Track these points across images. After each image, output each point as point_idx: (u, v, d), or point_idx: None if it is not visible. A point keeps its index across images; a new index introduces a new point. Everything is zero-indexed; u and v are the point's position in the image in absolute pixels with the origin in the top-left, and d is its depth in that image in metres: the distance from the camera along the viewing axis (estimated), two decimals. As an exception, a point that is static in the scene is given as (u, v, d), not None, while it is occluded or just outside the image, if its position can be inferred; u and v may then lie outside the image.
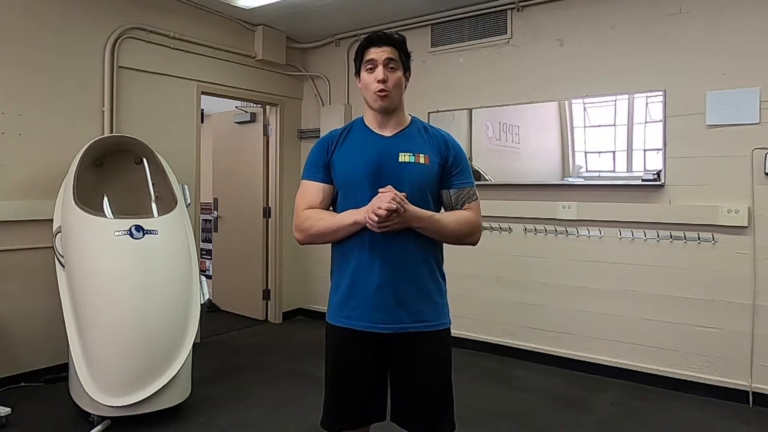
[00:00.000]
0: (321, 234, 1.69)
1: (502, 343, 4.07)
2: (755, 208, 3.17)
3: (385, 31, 1.73)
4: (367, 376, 1.69)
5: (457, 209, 1.73)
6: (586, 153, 3.77)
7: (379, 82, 1.65)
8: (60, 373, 3.36)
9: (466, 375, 3.66)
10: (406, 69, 1.73)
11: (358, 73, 1.74)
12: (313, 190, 1.73)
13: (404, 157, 1.68)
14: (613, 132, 3.63)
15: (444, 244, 1.76)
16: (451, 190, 1.73)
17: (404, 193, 1.57)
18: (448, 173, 1.74)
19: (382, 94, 1.66)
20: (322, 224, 1.68)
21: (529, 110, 3.96)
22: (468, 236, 1.73)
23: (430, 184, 1.71)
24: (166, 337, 2.82)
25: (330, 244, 1.77)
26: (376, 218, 1.53)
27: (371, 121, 1.74)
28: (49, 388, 3.34)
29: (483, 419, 2.99)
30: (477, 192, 1.79)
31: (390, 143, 1.70)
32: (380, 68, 1.66)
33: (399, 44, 1.70)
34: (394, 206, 1.52)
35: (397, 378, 1.69)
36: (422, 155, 1.69)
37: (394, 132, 1.73)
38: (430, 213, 1.64)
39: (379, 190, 1.58)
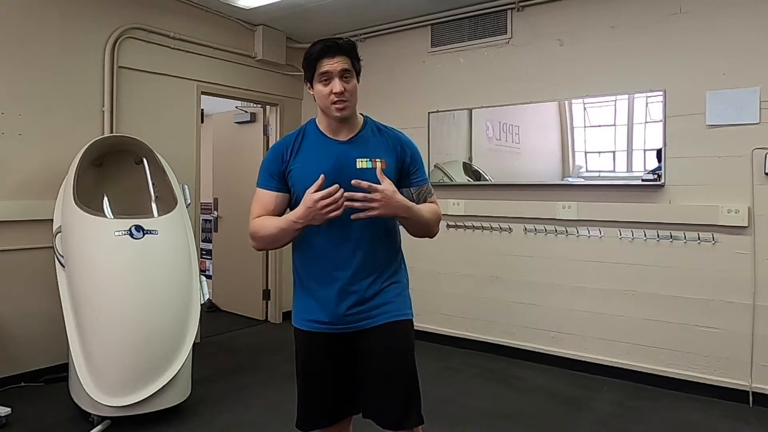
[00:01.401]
0: (267, 240, 1.72)
1: (502, 343, 4.06)
2: (755, 208, 3.17)
3: (333, 38, 1.71)
4: (333, 374, 1.74)
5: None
6: (586, 153, 3.77)
7: (336, 94, 1.64)
8: (60, 373, 3.36)
9: (466, 375, 3.66)
10: (358, 73, 1.74)
11: (310, 81, 1.72)
12: (266, 198, 1.76)
13: (362, 163, 1.69)
14: (613, 132, 3.63)
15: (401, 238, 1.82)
16: (411, 188, 1.77)
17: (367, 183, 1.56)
18: (406, 172, 1.77)
19: (341, 105, 1.66)
20: (264, 231, 1.71)
21: (529, 110, 3.96)
22: (435, 226, 1.79)
23: None
24: (166, 337, 2.82)
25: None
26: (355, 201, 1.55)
27: (326, 127, 1.74)
28: (49, 388, 3.34)
29: (483, 419, 2.99)
30: (430, 185, 1.87)
31: (346, 149, 1.71)
32: (336, 81, 1.65)
33: (350, 52, 1.69)
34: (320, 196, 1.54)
35: (363, 372, 1.72)
36: (379, 160, 1.70)
37: (349, 137, 1.73)
38: (412, 203, 1.68)
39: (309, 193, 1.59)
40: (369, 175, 1.65)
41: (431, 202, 1.81)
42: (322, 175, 1.57)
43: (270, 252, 5.10)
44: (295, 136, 1.77)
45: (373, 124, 1.81)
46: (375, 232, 1.70)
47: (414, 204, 1.68)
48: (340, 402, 1.76)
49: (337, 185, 1.55)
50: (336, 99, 1.65)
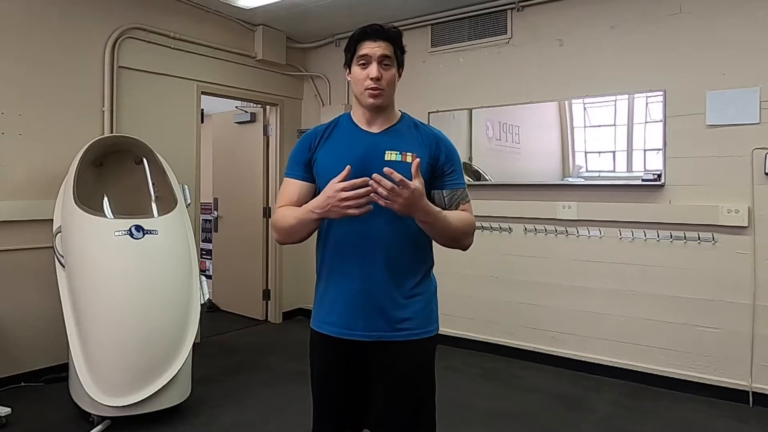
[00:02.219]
0: (286, 231, 1.60)
1: (502, 343, 4.06)
2: (755, 208, 3.17)
3: (381, 24, 1.62)
4: (346, 382, 1.64)
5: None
6: (586, 153, 3.77)
7: (372, 79, 1.55)
8: (60, 373, 3.36)
9: (466, 375, 3.66)
10: (400, 65, 1.63)
11: (348, 65, 1.63)
12: (291, 188, 1.64)
13: (390, 155, 1.57)
14: (613, 132, 3.63)
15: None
16: (444, 191, 1.62)
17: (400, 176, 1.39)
18: (440, 173, 1.62)
19: (376, 92, 1.56)
20: (284, 221, 1.59)
21: (529, 110, 3.96)
22: (466, 237, 1.62)
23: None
24: (166, 337, 2.82)
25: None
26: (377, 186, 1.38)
27: (359, 118, 1.65)
28: (49, 388, 3.34)
29: (483, 419, 2.99)
30: (467, 190, 1.69)
31: (377, 140, 1.60)
32: (374, 65, 1.55)
33: (395, 39, 1.60)
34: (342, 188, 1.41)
35: (375, 387, 1.61)
36: (410, 154, 1.57)
37: (382, 128, 1.63)
38: (438, 208, 1.51)
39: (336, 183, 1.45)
40: (397, 168, 1.43)
41: (464, 210, 1.63)
42: (348, 166, 1.44)
43: (270, 252, 5.10)
44: (327, 126, 1.68)
45: (410, 120, 1.70)
46: (401, 233, 1.58)
47: (439, 210, 1.51)
48: (350, 412, 1.65)
49: (365, 178, 1.40)
50: (371, 84, 1.55)
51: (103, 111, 3.70)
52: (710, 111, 3.27)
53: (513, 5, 3.98)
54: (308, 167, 1.64)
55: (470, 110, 4.19)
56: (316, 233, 1.63)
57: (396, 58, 1.60)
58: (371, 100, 1.58)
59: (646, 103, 3.49)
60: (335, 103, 4.95)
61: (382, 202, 1.40)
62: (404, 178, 1.38)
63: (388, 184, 1.37)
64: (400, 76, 1.65)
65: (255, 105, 5.15)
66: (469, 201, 1.67)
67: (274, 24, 4.69)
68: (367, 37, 1.57)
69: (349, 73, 1.63)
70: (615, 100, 3.61)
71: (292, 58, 5.05)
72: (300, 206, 1.58)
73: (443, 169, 1.63)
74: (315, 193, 1.61)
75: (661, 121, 3.41)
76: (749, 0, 3.18)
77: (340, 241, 1.60)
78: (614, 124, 3.63)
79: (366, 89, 1.57)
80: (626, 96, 3.55)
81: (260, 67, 4.79)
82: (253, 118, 5.23)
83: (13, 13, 3.31)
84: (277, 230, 1.63)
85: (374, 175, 1.38)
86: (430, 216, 1.48)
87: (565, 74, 3.78)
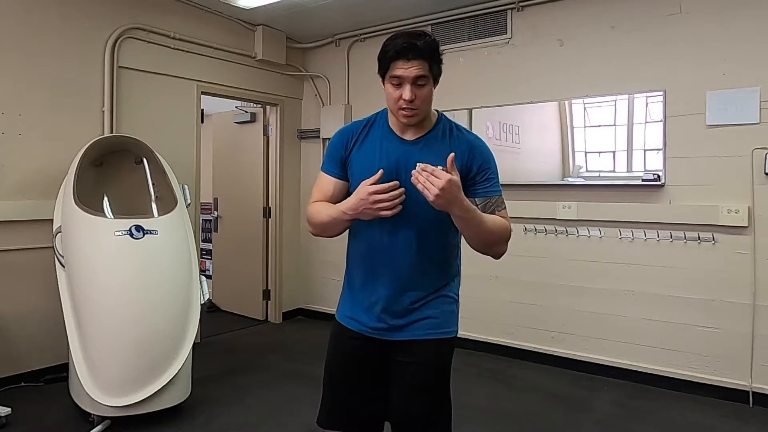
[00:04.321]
0: (319, 227, 1.63)
1: (502, 343, 4.07)
2: (755, 208, 3.17)
3: (416, 32, 1.53)
4: (361, 378, 1.66)
5: None
6: (586, 153, 3.77)
7: (405, 101, 1.49)
8: (60, 373, 3.36)
9: (466, 375, 3.66)
10: (437, 78, 1.56)
11: (382, 77, 1.56)
12: (326, 184, 1.66)
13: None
14: (613, 132, 3.63)
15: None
16: (477, 199, 1.56)
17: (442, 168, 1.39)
18: (472, 181, 1.57)
19: (409, 113, 1.51)
20: (318, 218, 1.62)
21: (529, 110, 3.97)
22: (501, 243, 1.58)
23: None
24: (166, 337, 2.82)
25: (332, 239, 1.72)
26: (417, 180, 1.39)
27: (394, 123, 1.61)
28: (49, 388, 3.34)
29: (483, 419, 2.99)
30: (503, 197, 1.63)
31: (410, 150, 1.57)
32: (407, 88, 1.48)
33: (431, 55, 1.51)
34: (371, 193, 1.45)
35: (393, 385, 1.64)
36: (441, 167, 1.44)
37: (416, 136, 1.59)
38: (474, 207, 1.48)
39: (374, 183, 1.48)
40: None
41: (501, 216, 1.58)
42: (381, 170, 1.47)
43: (270, 252, 5.10)
44: (364, 125, 1.66)
45: (446, 124, 1.64)
46: (431, 234, 1.58)
47: (476, 209, 1.49)
48: (364, 408, 1.67)
49: (395, 182, 1.45)
50: (404, 105, 1.50)
51: (103, 111, 3.70)
52: (710, 111, 3.27)
53: (513, 5, 3.98)
54: (343, 166, 1.65)
55: (470, 110, 4.18)
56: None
57: (432, 73, 1.53)
58: (405, 121, 1.55)
59: (646, 103, 3.49)
60: (335, 103, 4.95)
61: (419, 187, 1.39)
62: (439, 167, 1.38)
63: (429, 167, 1.38)
64: (436, 84, 1.58)
65: (255, 105, 5.15)
66: (505, 209, 1.61)
67: (274, 24, 4.69)
68: (400, 56, 1.48)
69: (384, 85, 1.57)
70: (615, 100, 3.61)
71: (292, 58, 5.05)
72: (334, 202, 1.61)
73: (476, 177, 1.58)
74: (348, 192, 1.62)
75: (661, 121, 3.41)
76: (749, 0, 3.18)
77: (370, 238, 1.62)
78: (614, 124, 3.63)
79: (399, 109, 1.52)
80: (626, 96, 3.55)
81: (260, 67, 4.79)
82: (253, 118, 5.23)
83: (14, 13, 3.31)
84: (312, 225, 1.66)
85: (413, 171, 1.40)
86: (468, 212, 1.45)
87: (565, 74, 3.78)
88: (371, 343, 1.64)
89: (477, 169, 1.58)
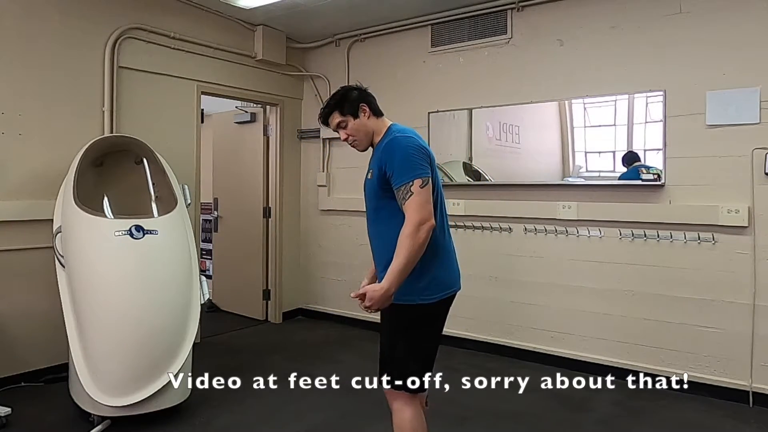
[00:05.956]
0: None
1: (502, 343, 4.07)
2: (755, 208, 3.17)
3: (324, 104, 2.04)
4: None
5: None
6: (586, 153, 3.77)
7: (344, 140, 2.03)
8: (60, 373, 3.36)
9: (466, 375, 3.65)
10: (355, 114, 1.98)
11: None
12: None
13: (368, 175, 1.99)
14: (613, 132, 3.63)
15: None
16: (396, 193, 1.87)
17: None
18: (389, 180, 1.87)
19: (354, 145, 2.05)
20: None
21: (529, 110, 3.96)
22: (416, 247, 1.78)
23: (377, 197, 1.94)
24: (166, 337, 2.82)
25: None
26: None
27: None
28: (49, 388, 3.34)
29: (483, 419, 2.99)
30: (412, 185, 1.81)
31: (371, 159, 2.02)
32: (340, 132, 2.04)
33: (335, 107, 1.99)
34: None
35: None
36: (370, 171, 1.96)
37: (372, 148, 2.05)
38: (389, 271, 1.78)
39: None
40: (368, 185, 1.99)
41: (405, 209, 1.82)
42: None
43: (270, 252, 5.10)
44: None
45: (389, 134, 1.97)
46: (377, 228, 2.01)
47: (390, 269, 1.77)
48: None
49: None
50: (347, 143, 2.04)
51: (103, 111, 3.70)
52: (710, 111, 3.27)
53: (513, 5, 3.98)
54: None
55: (470, 110, 4.19)
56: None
57: (347, 113, 1.98)
58: (358, 150, 2.08)
59: (646, 103, 3.49)
60: (335, 103, 4.94)
61: (369, 313, 1.91)
62: (356, 291, 1.84)
63: (353, 294, 1.85)
64: (364, 111, 1.99)
65: (255, 105, 5.15)
66: (410, 196, 1.81)
67: (274, 24, 4.69)
68: (323, 123, 2.07)
69: None
70: (615, 100, 3.61)
71: (292, 58, 5.05)
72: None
73: (386, 174, 1.88)
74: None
75: (661, 121, 3.41)
76: (749, 0, 3.18)
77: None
78: (614, 124, 3.63)
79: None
80: (626, 96, 3.55)
81: (260, 67, 4.79)
82: (253, 118, 5.23)
83: (14, 13, 3.31)
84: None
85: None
86: (396, 280, 1.78)
87: (565, 74, 3.78)
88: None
89: (386, 170, 1.88)
